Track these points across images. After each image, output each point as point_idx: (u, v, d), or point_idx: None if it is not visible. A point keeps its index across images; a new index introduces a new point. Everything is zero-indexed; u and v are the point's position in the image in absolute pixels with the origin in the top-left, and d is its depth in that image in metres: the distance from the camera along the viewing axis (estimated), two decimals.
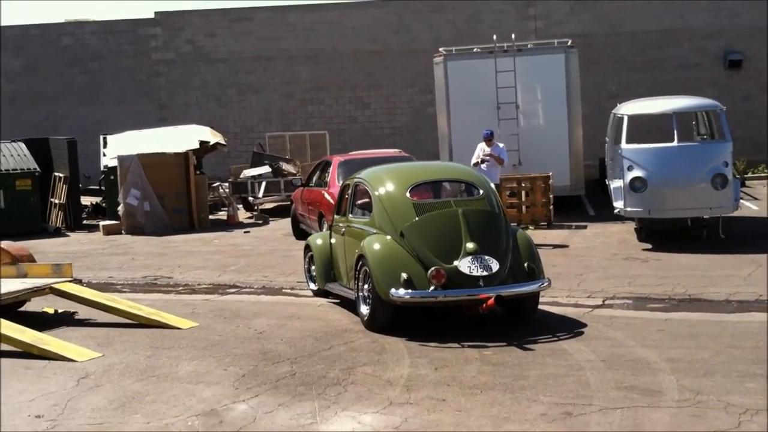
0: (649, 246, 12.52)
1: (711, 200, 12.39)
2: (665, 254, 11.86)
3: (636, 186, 12.56)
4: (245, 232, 16.56)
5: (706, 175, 12.38)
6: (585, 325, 8.11)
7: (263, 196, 19.17)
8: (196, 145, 18.22)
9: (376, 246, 8.28)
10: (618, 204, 13.09)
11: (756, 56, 23.16)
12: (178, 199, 17.30)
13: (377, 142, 23.10)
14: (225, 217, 18.31)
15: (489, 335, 7.77)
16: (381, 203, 8.59)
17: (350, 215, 9.25)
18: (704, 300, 9.14)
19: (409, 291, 7.86)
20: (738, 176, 14.51)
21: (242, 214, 18.90)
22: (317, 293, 9.93)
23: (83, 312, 9.45)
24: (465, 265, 7.87)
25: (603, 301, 9.24)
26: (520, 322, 8.26)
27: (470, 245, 7.94)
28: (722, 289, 9.56)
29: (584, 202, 17.68)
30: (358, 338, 7.99)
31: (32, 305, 9.77)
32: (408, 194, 8.54)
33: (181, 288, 11.28)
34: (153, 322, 8.78)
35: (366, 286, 8.36)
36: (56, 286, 9.25)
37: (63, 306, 9.72)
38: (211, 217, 18.26)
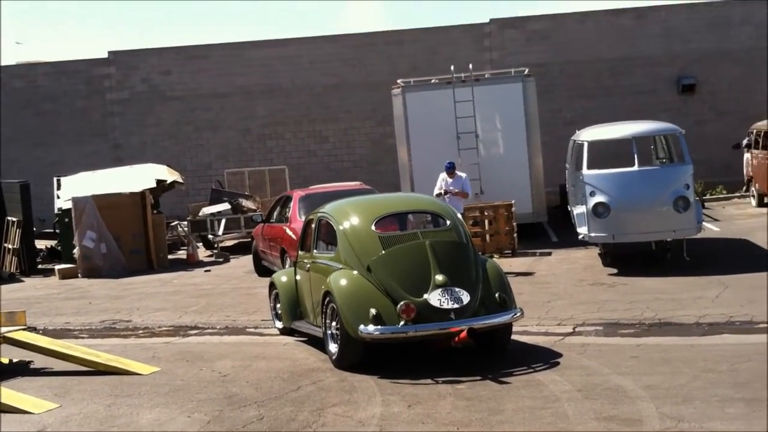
0: (615, 270, 12.47)
1: (674, 223, 12.39)
2: (631, 278, 11.81)
3: (599, 211, 12.53)
4: (206, 270, 16.23)
5: (669, 198, 12.38)
6: (558, 354, 7.96)
7: (223, 234, 18.84)
8: (153, 184, 17.90)
9: (343, 282, 8.03)
10: (582, 230, 13.04)
11: (708, 80, 23.53)
12: (136, 239, 16.92)
13: (337, 176, 22.95)
14: (185, 257, 17.95)
15: (461, 369, 7.58)
16: (346, 237, 8.36)
17: (315, 251, 9.01)
18: (675, 323, 9.06)
19: (379, 327, 7.61)
20: (698, 198, 14.58)
21: (202, 253, 18.55)
22: (283, 332, 9.65)
23: (39, 361, 9.07)
24: (435, 298, 7.67)
25: (573, 329, 9.11)
26: (493, 354, 8.06)
27: (439, 277, 7.75)
28: (691, 311, 9.49)
29: (547, 228, 17.66)
30: (326, 377, 7.75)
31: None
32: (373, 227, 8.32)
33: (140, 331, 10.93)
34: (112, 369, 8.45)
35: (334, 324, 8.09)
36: (9, 335, 8.86)
37: (18, 355, 9.32)
38: (170, 256, 17.89)
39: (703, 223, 13.83)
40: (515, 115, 16.96)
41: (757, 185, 18.76)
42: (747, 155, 19.41)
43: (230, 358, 8.86)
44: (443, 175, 14.08)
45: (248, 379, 7.88)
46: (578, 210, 13.47)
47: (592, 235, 12.75)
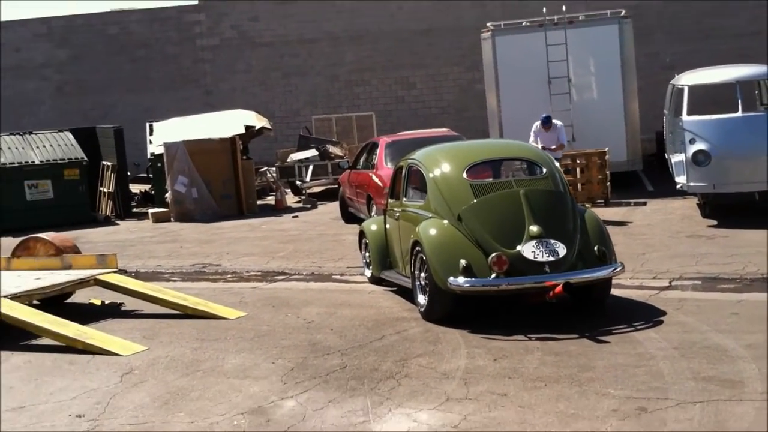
0: (715, 222, 11.91)
1: None
2: (732, 230, 11.25)
3: (699, 159, 11.95)
4: (293, 216, 16.29)
5: None
6: (653, 310, 7.62)
7: (311, 180, 18.88)
8: (242, 130, 18.00)
9: (432, 231, 7.73)
10: (680, 179, 12.48)
11: None
12: (226, 185, 17.10)
13: (425, 122, 22.66)
14: (273, 202, 18.07)
15: (553, 325, 7.32)
16: (436, 185, 8.03)
17: (404, 199, 8.70)
18: None
19: (469, 279, 7.29)
20: None
21: (290, 199, 18.63)
22: (372, 281, 9.48)
23: (130, 303, 9.24)
24: (529, 250, 7.27)
25: (670, 283, 8.72)
26: (590, 310, 7.69)
27: (534, 228, 7.34)
28: None
29: (642, 177, 17.04)
30: (411, 327, 7.62)
31: (79, 297, 9.60)
32: (465, 175, 7.94)
33: (229, 276, 11.03)
34: (200, 313, 8.52)
35: (422, 275, 7.82)
36: (100, 277, 9.04)
37: (109, 297, 9.52)
38: (259, 202, 18.03)
39: None
40: (610, 58, 16.30)
41: None
42: None
43: (315, 304, 8.82)
44: (537, 127, 13.53)
45: (333, 326, 7.82)
46: (676, 158, 12.89)
47: (691, 184, 12.18)
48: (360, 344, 7.15)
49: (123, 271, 9.57)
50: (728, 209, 12.45)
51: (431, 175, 8.15)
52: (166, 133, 18.55)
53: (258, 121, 18.83)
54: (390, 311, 8.28)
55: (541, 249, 7.27)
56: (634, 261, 9.72)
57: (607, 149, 14.66)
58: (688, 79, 13.39)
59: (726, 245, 10.39)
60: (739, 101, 12.22)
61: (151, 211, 17.46)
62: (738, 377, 5.68)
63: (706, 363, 6.01)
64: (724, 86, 13.01)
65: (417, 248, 7.85)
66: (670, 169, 13.33)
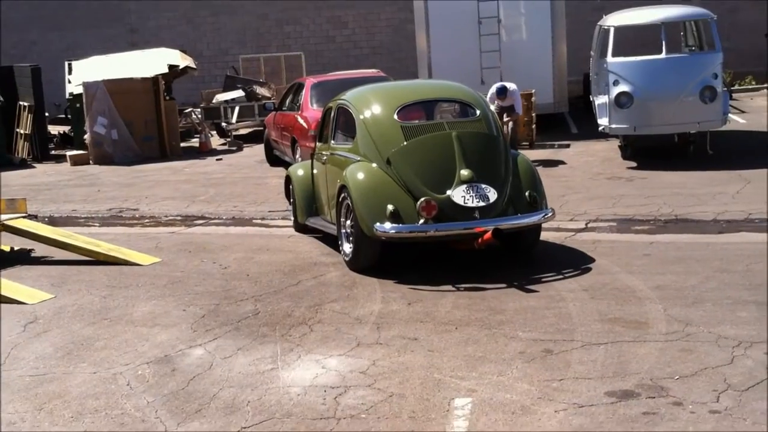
0: (634, 164, 12.05)
1: (699, 114, 11.86)
2: (651, 172, 11.40)
3: (622, 101, 12.01)
4: (218, 159, 15.97)
5: (695, 88, 11.82)
6: (567, 251, 7.68)
7: (237, 122, 18.50)
8: (165, 70, 17.47)
9: (360, 175, 7.41)
10: (602, 121, 12.55)
11: None
12: (148, 126, 16.63)
13: (356, 63, 22.33)
14: (197, 145, 17.64)
15: (471, 270, 7.32)
16: (365, 127, 7.68)
17: (332, 142, 8.34)
18: (691, 220, 8.71)
19: (396, 225, 7.02)
20: (726, 89, 13.94)
21: (215, 141, 18.23)
22: (298, 228, 9.15)
23: (40, 250, 8.95)
24: (459, 194, 7.05)
25: (586, 225, 8.80)
26: (511, 256, 7.59)
27: (465, 172, 7.11)
28: (710, 208, 9.13)
29: (568, 119, 17.13)
30: (328, 272, 7.54)
31: None
32: (396, 116, 7.61)
33: (146, 220, 10.77)
34: (112, 259, 8.30)
35: (348, 222, 7.53)
36: (9, 222, 8.71)
37: (20, 243, 9.20)
38: (183, 144, 17.60)
39: (729, 114, 13.30)
40: None
41: None
42: None
43: (233, 249, 8.67)
44: (492, 96, 12.58)
45: (249, 272, 7.70)
46: (600, 100, 12.94)
47: (613, 126, 12.27)
48: (275, 290, 7.06)
49: (33, 216, 9.27)
50: (648, 151, 12.60)
51: (361, 116, 7.81)
52: (85, 72, 17.91)
53: (182, 60, 18.28)
54: (308, 256, 8.18)
55: (471, 194, 7.06)
56: (554, 203, 9.64)
57: (533, 91, 14.64)
58: (614, 20, 13.37)
59: (643, 187, 10.52)
60: (663, 43, 12.27)
61: (69, 153, 16.91)
62: (643, 318, 5.75)
63: (614, 304, 6.07)
64: (651, 27, 13.04)
65: (343, 193, 7.55)
66: (594, 111, 13.39)
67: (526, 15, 16.59)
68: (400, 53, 23.11)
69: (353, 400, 4.73)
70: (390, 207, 7.09)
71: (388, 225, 7.04)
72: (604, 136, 13.29)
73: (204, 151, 17.04)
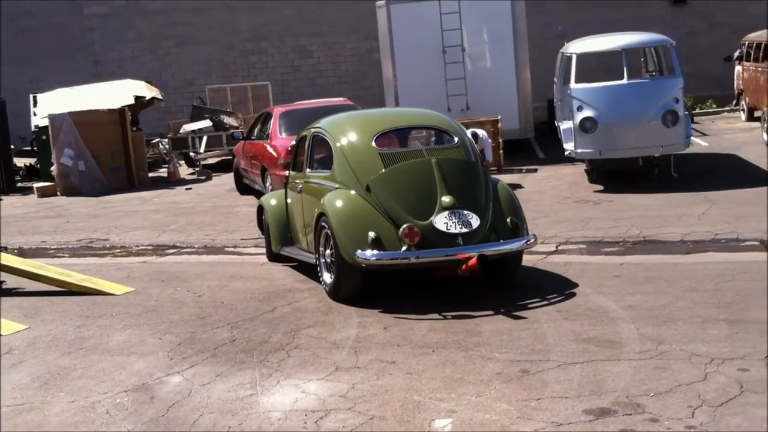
0: (601, 187, 12.26)
1: (662, 138, 12.12)
2: (617, 195, 11.60)
3: (586, 126, 12.25)
4: (187, 188, 15.95)
5: (657, 113, 12.10)
6: (540, 273, 7.79)
7: (205, 151, 18.50)
8: (132, 101, 17.48)
9: (338, 203, 7.31)
10: (568, 146, 12.76)
11: None
12: (115, 157, 16.57)
13: (322, 92, 22.47)
14: (165, 175, 17.62)
15: (439, 292, 7.40)
16: (342, 154, 7.60)
17: (308, 170, 8.24)
18: (659, 241, 8.88)
19: (378, 252, 6.93)
20: (688, 112, 14.26)
21: (184, 171, 18.22)
22: (271, 257, 9.06)
23: (11, 281, 8.84)
24: (441, 221, 6.97)
25: (557, 247, 8.92)
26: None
27: (446, 199, 7.05)
28: (677, 229, 9.31)
29: (534, 144, 17.37)
30: (303, 298, 7.57)
31: None
32: (374, 143, 7.55)
33: (117, 250, 10.72)
34: (85, 289, 8.25)
35: (328, 251, 7.42)
36: None
37: None
38: (151, 174, 17.58)
39: (692, 138, 13.59)
40: (503, 27, 16.44)
41: (747, 99, 18.43)
42: (738, 68, 19.02)
43: (207, 278, 8.67)
44: None
45: (224, 299, 7.70)
46: (565, 125, 13.16)
47: (579, 150, 12.49)
48: (251, 317, 7.07)
49: (3, 248, 9.17)
50: (614, 175, 12.83)
51: (338, 144, 7.73)
52: (51, 104, 17.85)
53: (148, 91, 18.30)
54: (283, 283, 8.21)
55: (453, 220, 6.99)
56: None
57: (499, 117, 14.84)
58: (576, 47, 13.66)
59: (611, 210, 10.71)
60: (625, 69, 12.54)
61: (36, 185, 16.78)
62: (617, 338, 5.85)
63: (587, 324, 6.18)
64: (612, 54, 13.33)
65: (322, 222, 7.45)
66: (560, 136, 13.62)
67: (490, 43, 16.84)
68: (366, 81, 23.31)
69: (334, 423, 4.76)
70: (371, 234, 6.99)
71: (369, 252, 6.94)
72: (571, 160, 13.51)
73: (172, 181, 17.01)
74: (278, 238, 8.82)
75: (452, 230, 6.98)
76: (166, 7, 24.43)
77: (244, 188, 14.55)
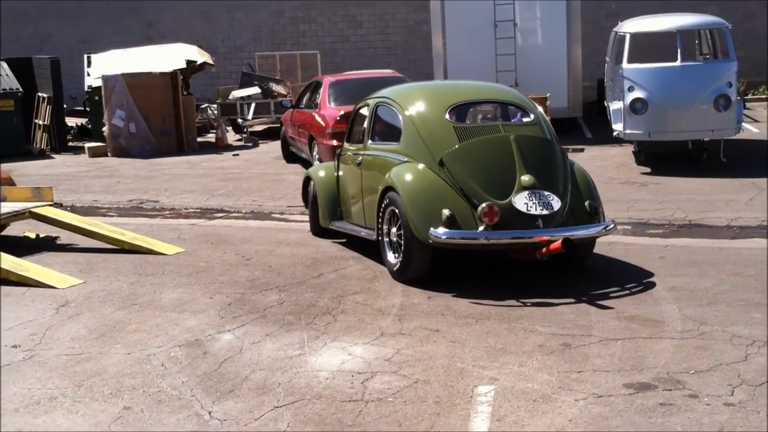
0: (648, 170, 12.21)
1: (713, 122, 12.03)
2: (665, 178, 11.56)
3: (637, 107, 12.18)
4: (234, 155, 16.18)
5: (709, 96, 11.99)
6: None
7: (253, 118, 18.71)
8: (183, 65, 17.67)
9: (409, 177, 6.95)
10: (617, 126, 12.72)
11: None
12: (165, 120, 16.84)
13: (370, 63, 22.50)
14: (213, 140, 17.88)
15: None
16: (413, 126, 7.23)
17: (369, 142, 7.86)
18: (705, 225, 8.87)
19: (456, 230, 6.58)
20: (740, 97, 14.10)
21: (231, 137, 18.47)
22: (316, 232, 8.84)
23: (65, 237, 9.16)
24: (521, 201, 6.62)
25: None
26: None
27: (526, 178, 6.69)
28: (723, 214, 9.29)
29: (581, 124, 17.28)
30: (349, 265, 7.73)
31: (13, 230, 9.46)
32: (447, 116, 7.19)
33: (167, 212, 10.98)
34: (137, 248, 8.50)
35: (393, 229, 7.07)
36: (36, 210, 8.92)
37: (45, 231, 9.42)
38: (199, 139, 17.83)
39: (743, 123, 13.45)
40: (556, 3, 16.35)
41: None
42: None
43: (254, 242, 8.86)
44: None
45: (271, 263, 7.89)
46: (615, 105, 13.10)
47: (628, 132, 12.44)
48: (298, 281, 7.24)
49: (59, 205, 9.45)
50: (662, 157, 12.76)
51: (408, 115, 7.36)
52: (104, 65, 18.13)
53: (200, 56, 18.50)
54: (328, 250, 8.36)
55: (534, 201, 6.65)
56: None
57: (548, 95, 14.79)
58: (630, 26, 13.55)
59: (657, 192, 10.69)
60: (679, 51, 12.43)
61: (87, 145, 17.14)
62: (659, 317, 5.92)
63: (630, 304, 6.25)
64: (666, 35, 13.20)
65: (388, 197, 7.09)
66: (609, 117, 13.56)
67: (542, 19, 16.74)
68: (415, 54, 23.30)
69: (380, 384, 4.91)
70: (446, 211, 6.64)
71: (443, 230, 6.59)
72: (618, 141, 13.46)
73: (220, 147, 17.26)
74: (328, 212, 8.53)
75: (532, 211, 6.63)
76: None
77: (291, 156, 14.72)
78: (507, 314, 6.11)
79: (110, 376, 5.20)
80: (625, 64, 12.60)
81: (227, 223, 10.14)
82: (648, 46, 14.36)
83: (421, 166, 7.03)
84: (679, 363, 5.04)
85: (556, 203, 6.72)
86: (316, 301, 6.64)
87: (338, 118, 12.27)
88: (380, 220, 7.28)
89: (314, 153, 12.97)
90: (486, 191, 6.70)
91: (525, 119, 7.49)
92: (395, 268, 7.08)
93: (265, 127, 19.21)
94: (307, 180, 9.15)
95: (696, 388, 4.67)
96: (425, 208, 6.75)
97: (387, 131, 7.80)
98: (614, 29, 14.57)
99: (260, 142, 17.70)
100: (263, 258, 8.12)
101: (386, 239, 7.25)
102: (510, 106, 7.84)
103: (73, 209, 11.04)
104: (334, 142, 12.01)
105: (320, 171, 8.93)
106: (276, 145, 16.01)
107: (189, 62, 18.01)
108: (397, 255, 7.09)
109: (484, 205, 6.58)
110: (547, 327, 5.79)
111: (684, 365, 4.99)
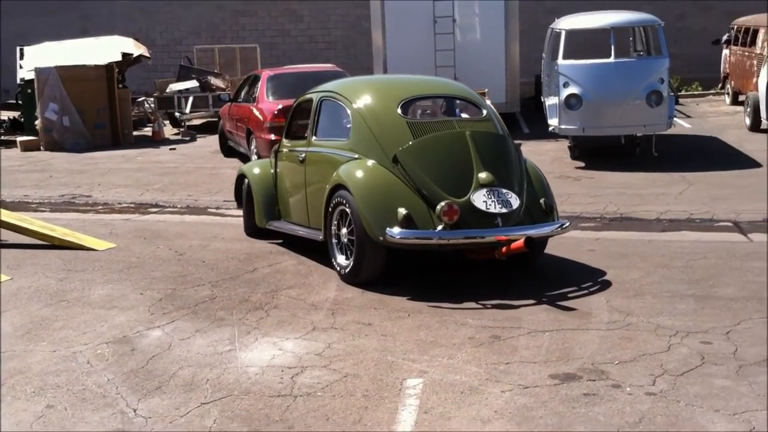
0: (582, 164, 12.41)
1: (645, 118, 12.27)
2: (598, 172, 11.76)
3: (571, 103, 12.36)
4: (171, 149, 15.97)
5: (642, 92, 12.22)
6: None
7: (190, 112, 18.49)
8: (119, 58, 17.39)
9: (361, 174, 6.69)
10: (552, 121, 12.89)
11: None
12: (100, 113, 16.56)
13: (311, 57, 22.46)
14: (150, 134, 17.61)
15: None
16: (363, 121, 6.95)
17: (314, 138, 7.54)
18: (635, 219, 9.05)
19: (412, 230, 6.33)
20: (673, 93, 14.41)
21: (168, 131, 18.22)
22: (250, 232, 8.54)
23: None
24: (480, 199, 6.40)
25: None
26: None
27: (483, 175, 6.47)
28: (654, 207, 9.49)
29: (519, 119, 17.47)
30: (284, 260, 7.69)
31: None
32: (399, 111, 6.96)
33: (100, 207, 10.79)
34: (67, 244, 8.33)
35: (344, 230, 6.79)
36: None
37: None
38: (135, 133, 17.55)
39: (675, 119, 13.75)
40: (494, 0, 16.50)
41: (732, 82, 18.59)
42: (725, 51, 19.14)
43: (189, 237, 8.77)
44: None
45: (205, 258, 7.81)
46: (551, 101, 13.28)
47: (563, 127, 12.61)
48: (231, 276, 7.19)
49: None
50: (596, 152, 12.97)
51: (356, 109, 7.08)
52: (38, 57, 17.73)
53: (136, 49, 18.21)
54: (264, 245, 8.30)
55: (492, 199, 6.44)
56: None
57: (486, 90, 14.89)
58: (566, 24, 13.73)
59: (591, 186, 10.87)
60: (612, 47, 12.65)
61: (19, 139, 16.74)
62: (587, 309, 6.02)
63: (560, 296, 6.34)
64: (600, 32, 13.42)
65: (338, 196, 6.78)
66: (545, 112, 13.73)
67: (481, 15, 16.88)
68: (355, 49, 23.28)
69: (309, 379, 4.90)
70: (402, 210, 6.38)
71: (399, 230, 6.33)
72: (554, 136, 13.63)
73: (157, 141, 17.02)
74: (265, 212, 8.23)
75: (491, 209, 6.40)
76: None
77: (229, 151, 14.60)
78: (439, 308, 6.15)
79: (34, 374, 5.09)
80: (560, 61, 12.77)
81: (161, 218, 10.01)
82: (583, 43, 14.56)
83: (372, 162, 6.77)
84: (604, 354, 5.13)
85: (515, 201, 6.53)
86: (249, 296, 6.60)
87: (276, 112, 12.21)
88: (328, 220, 6.98)
89: (252, 147, 12.88)
90: (443, 189, 6.45)
91: (477, 115, 7.28)
92: (346, 271, 6.78)
93: (204, 121, 19.01)
94: (241, 178, 8.81)
95: (619, 378, 4.76)
96: (380, 206, 6.50)
97: (333, 127, 7.54)
98: (551, 26, 14.76)
99: (198, 136, 17.52)
100: (197, 253, 8.03)
101: (334, 240, 6.96)
102: (460, 101, 7.60)
103: (3, 204, 10.77)
104: (272, 137, 11.95)
105: (255, 168, 8.62)
106: (214, 139, 15.85)
107: (125, 55, 17.73)
108: (347, 257, 6.81)
109: (443, 203, 6.34)
110: (478, 320, 5.84)
111: (609, 356, 5.09)
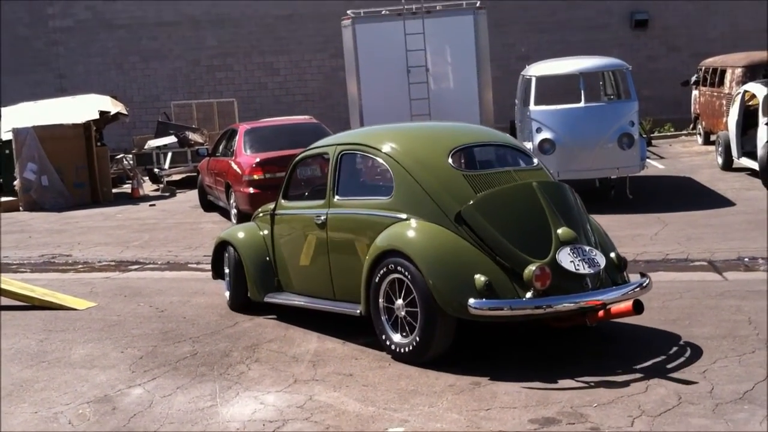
0: None
1: (618, 160, 12.48)
2: None
3: (545, 148, 12.57)
4: (151, 205, 16.02)
5: (613, 135, 12.46)
6: None
7: (169, 168, 18.58)
8: (96, 116, 17.52)
9: (420, 237, 5.82)
10: None
11: (661, 15, 23.56)
12: (79, 172, 16.61)
13: (288, 109, 22.68)
14: (129, 191, 17.67)
15: None
16: (409, 176, 6.06)
17: (336, 198, 6.63)
18: None
19: (501, 300, 5.51)
20: (644, 135, 14.68)
21: (148, 187, 18.29)
22: (235, 307, 7.71)
23: None
24: (566, 259, 5.63)
25: None
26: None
27: (563, 231, 5.71)
28: (630, 249, 9.58)
29: None
30: (264, 313, 7.70)
31: None
32: (451, 162, 6.17)
33: (80, 266, 10.79)
34: (47, 304, 8.33)
35: (399, 301, 5.91)
36: None
37: None
38: (115, 190, 17.62)
39: (648, 160, 13.99)
40: (466, 48, 16.74)
41: (703, 123, 18.94)
42: (695, 92, 19.54)
43: (169, 293, 8.78)
44: None
45: (186, 314, 7.82)
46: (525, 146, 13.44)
47: None
48: (212, 331, 7.20)
49: None
50: None
51: (398, 162, 6.18)
52: (15, 118, 17.85)
53: (113, 106, 18.37)
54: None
55: (579, 258, 5.69)
56: None
57: None
58: (536, 70, 14.01)
59: None
60: (582, 92, 12.91)
61: None
62: (565, 352, 6.08)
63: (537, 339, 6.39)
64: (570, 77, 13.69)
65: (389, 264, 5.90)
66: None
67: (453, 64, 17.13)
68: (332, 99, 23.57)
69: None
70: (481, 278, 5.55)
71: (483, 301, 5.49)
72: None
73: (136, 197, 17.07)
74: (260, 283, 7.35)
75: (581, 270, 5.65)
76: (132, 21, 24.54)
77: (208, 205, 14.67)
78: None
79: None
80: (532, 107, 13.01)
81: (142, 275, 10.02)
82: (555, 88, 14.86)
83: (430, 223, 5.92)
84: (583, 397, 5.19)
85: (600, 259, 5.79)
86: (230, 350, 6.62)
87: (254, 165, 12.33)
88: (373, 292, 6.08)
89: (231, 201, 12.95)
90: (522, 250, 5.63)
91: (529, 164, 6.52)
92: (407, 350, 5.90)
93: (183, 176, 19.09)
94: (223, 245, 7.87)
95: (598, 420, 4.82)
96: (452, 274, 5.64)
97: (362, 184, 6.87)
98: (522, 73, 15.03)
99: (177, 191, 17.58)
100: (177, 309, 8.05)
101: (383, 316, 6.09)
102: (509, 150, 6.76)
103: None
104: (251, 190, 12.06)
105: (240, 233, 7.70)
106: (193, 194, 15.92)
107: (102, 113, 17.86)
108: (405, 334, 5.95)
109: (533, 267, 5.51)
110: (458, 367, 5.89)
111: (587, 399, 5.15)
